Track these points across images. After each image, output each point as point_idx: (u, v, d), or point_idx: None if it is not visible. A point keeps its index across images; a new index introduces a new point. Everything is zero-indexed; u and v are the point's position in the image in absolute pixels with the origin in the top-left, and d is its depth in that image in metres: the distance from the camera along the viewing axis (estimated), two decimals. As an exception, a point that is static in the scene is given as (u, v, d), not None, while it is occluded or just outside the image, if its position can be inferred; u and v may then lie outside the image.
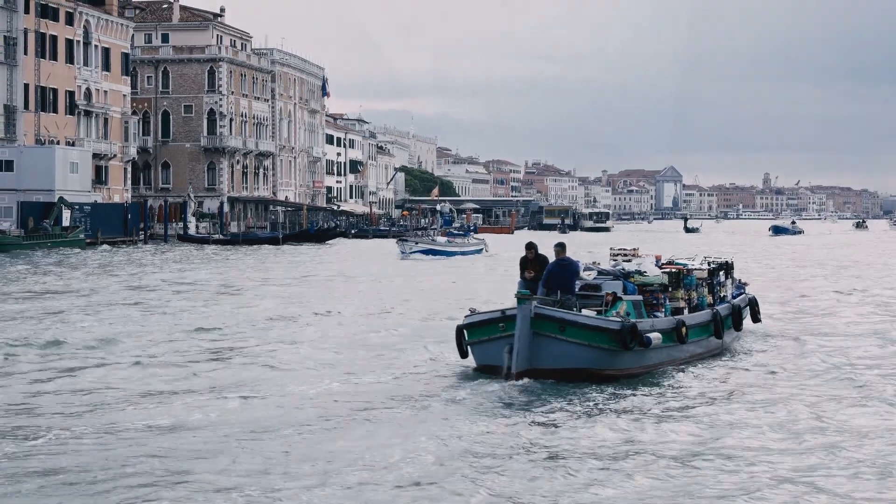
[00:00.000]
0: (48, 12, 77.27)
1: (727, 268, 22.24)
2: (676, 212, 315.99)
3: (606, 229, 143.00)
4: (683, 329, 17.66)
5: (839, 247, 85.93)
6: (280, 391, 15.75)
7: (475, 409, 14.40)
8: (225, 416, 14.00)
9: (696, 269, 20.29)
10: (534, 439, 12.82)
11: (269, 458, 11.79)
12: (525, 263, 17.77)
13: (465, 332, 16.82)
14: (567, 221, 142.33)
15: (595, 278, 17.85)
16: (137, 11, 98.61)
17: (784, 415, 14.41)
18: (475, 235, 75.16)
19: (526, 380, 15.83)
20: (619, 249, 20.57)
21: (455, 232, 72.20)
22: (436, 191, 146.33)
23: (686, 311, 18.81)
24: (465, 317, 17.03)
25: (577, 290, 17.24)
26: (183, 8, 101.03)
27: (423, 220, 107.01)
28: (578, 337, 16.01)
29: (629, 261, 19.45)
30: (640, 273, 18.49)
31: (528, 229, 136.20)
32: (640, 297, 17.64)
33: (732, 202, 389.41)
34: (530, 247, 17.85)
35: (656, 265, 19.37)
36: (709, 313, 19.22)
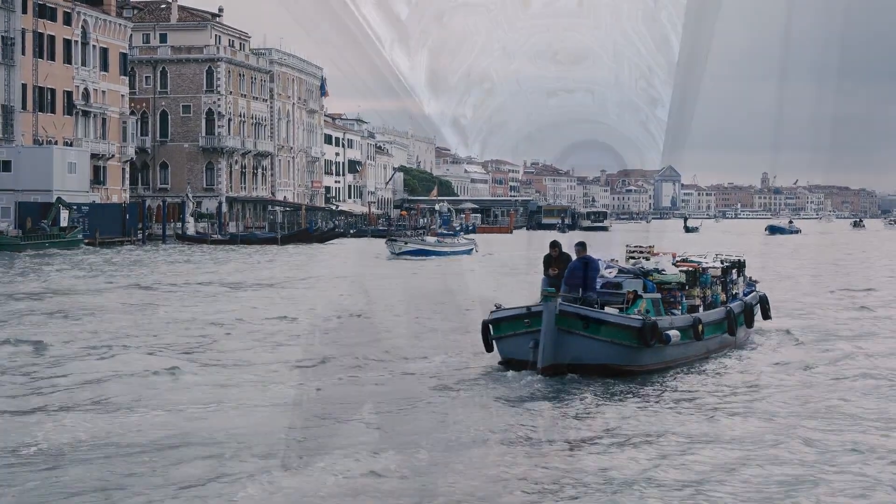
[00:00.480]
0: (46, 12, 77.04)
1: (739, 266, 22.49)
2: (675, 211, 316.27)
3: (604, 228, 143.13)
4: (700, 326, 17.93)
5: (836, 245, 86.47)
6: (279, 391, 15.63)
7: (497, 402, 14.69)
8: (226, 415, 13.88)
9: (710, 268, 20.49)
10: (558, 430, 13.12)
11: (270, 457, 11.69)
12: (549, 261, 18.09)
13: (490, 326, 17.17)
14: (566, 221, 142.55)
15: (616, 276, 18.18)
16: (135, 11, 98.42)
17: (797, 408, 14.63)
18: (465, 235, 75.64)
19: (550, 374, 16.04)
20: (636, 247, 20.73)
21: (445, 232, 72.32)
22: (434, 191, 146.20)
23: (701, 309, 19.08)
24: (491, 312, 17.34)
25: (598, 287, 17.53)
26: (181, 8, 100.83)
27: (421, 220, 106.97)
28: (602, 334, 16.28)
29: (647, 259, 19.70)
30: (658, 271, 18.85)
31: (527, 229, 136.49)
32: (658, 296, 17.94)
33: (731, 202, 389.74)
34: (554, 245, 18.16)
35: (672, 263, 19.62)
36: (723, 311, 19.46)
